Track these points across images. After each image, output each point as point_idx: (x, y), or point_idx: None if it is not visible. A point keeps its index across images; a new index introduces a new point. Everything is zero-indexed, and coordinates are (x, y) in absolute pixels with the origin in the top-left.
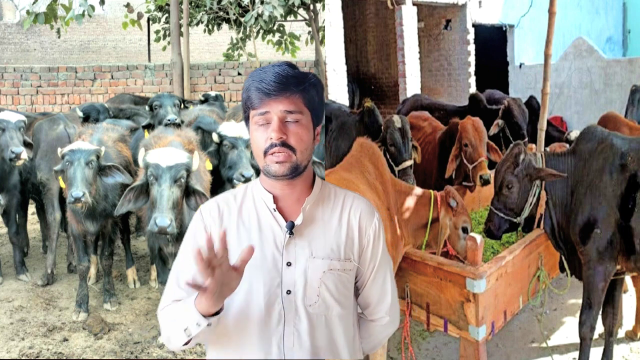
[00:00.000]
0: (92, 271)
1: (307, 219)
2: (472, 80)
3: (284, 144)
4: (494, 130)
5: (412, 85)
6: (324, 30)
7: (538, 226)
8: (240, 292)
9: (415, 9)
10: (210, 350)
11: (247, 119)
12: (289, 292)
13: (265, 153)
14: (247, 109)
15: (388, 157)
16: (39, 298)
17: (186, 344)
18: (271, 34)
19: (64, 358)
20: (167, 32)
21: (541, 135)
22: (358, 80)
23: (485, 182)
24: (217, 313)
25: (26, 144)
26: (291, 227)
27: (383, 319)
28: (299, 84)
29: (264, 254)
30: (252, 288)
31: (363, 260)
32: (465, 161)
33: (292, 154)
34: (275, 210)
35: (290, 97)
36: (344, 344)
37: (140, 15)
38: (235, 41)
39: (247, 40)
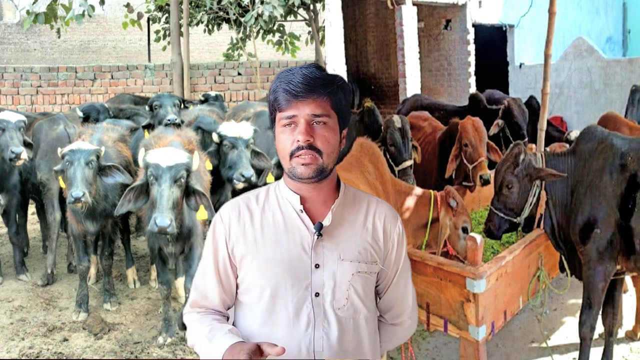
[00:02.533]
0: (92, 271)
1: (335, 220)
2: (472, 80)
3: (311, 147)
4: (494, 130)
5: (412, 85)
6: (324, 30)
7: (538, 226)
8: (268, 294)
9: (415, 9)
10: None
11: (272, 121)
12: (317, 294)
13: (292, 155)
14: (274, 110)
15: (388, 157)
16: (39, 298)
17: None
18: (271, 34)
19: (64, 358)
20: (167, 32)
21: (541, 135)
22: (358, 80)
23: (485, 182)
24: None
25: (26, 144)
26: (320, 229)
27: (405, 323)
28: (326, 86)
29: (291, 256)
30: (279, 291)
31: (387, 263)
32: (465, 161)
33: (319, 156)
34: (302, 212)
35: (318, 99)
36: (368, 347)
37: (140, 15)
38: (235, 41)
39: (247, 40)
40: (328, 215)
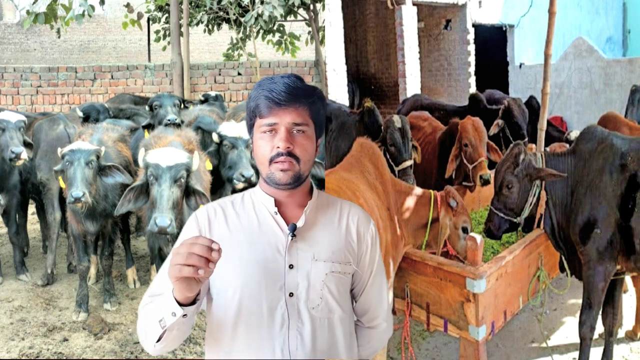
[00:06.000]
0: (92, 271)
1: (308, 222)
2: (472, 80)
3: (290, 154)
4: (494, 130)
5: (412, 85)
6: (324, 30)
7: (538, 226)
8: (241, 295)
9: (415, 9)
10: (210, 352)
11: (251, 127)
12: (291, 294)
13: (271, 161)
14: (254, 117)
15: (388, 157)
16: (39, 298)
17: (159, 340)
18: (271, 34)
19: (64, 358)
20: (167, 32)
21: (541, 135)
22: (358, 80)
23: (485, 182)
24: (193, 303)
25: (26, 144)
26: (293, 230)
27: (381, 325)
28: (307, 96)
29: (265, 257)
30: (253, 290)
31: (362, 265)
32: (465, 161)
33: (297, 163)
34: (276, 214)
35: (299, 108)
36: (343, 347)
37: (140, 15)
38: (235, 41)
39: (247, 40)
40: (302, 216)
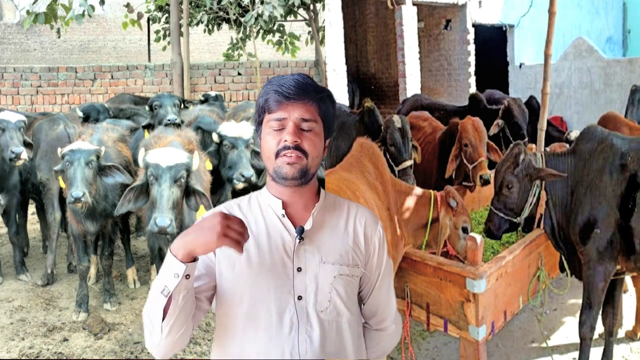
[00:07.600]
0: (92, 271)
1: (316, 224)
2: (472, 80)
3: (297, 147)
4: (494, 130)
5: (412, 85)
6: (324, 30)
7: (538, 226)
8: (250, 298)
9: (415, 9)
10: (219, 356)
11: (259, 124)
12: (299, 297)
13: (277, 154)
14: (263, 112)
15: (388, 157)
16: (39, 298)
17: (164, 319)
18: (271, 34)
19: (64, 358)
20: (167, 32)
21: (541, 135)
22: (358, 80)
23: (485, 182)
24: (193, 261)
25: (26, 144)
26: (301, 232)
27: (389, 328)
28: (316, 92)
29: (273, 260)
30: (262, 294)
31: (369, 267)
32: (465, 161)
33: (304, 157)
34: (284, 216)
35: (308, 103)
36: (352, 350)
37: (140, 15)
38: (235, 41)
39: (247, 40)
40: (309, 219)
